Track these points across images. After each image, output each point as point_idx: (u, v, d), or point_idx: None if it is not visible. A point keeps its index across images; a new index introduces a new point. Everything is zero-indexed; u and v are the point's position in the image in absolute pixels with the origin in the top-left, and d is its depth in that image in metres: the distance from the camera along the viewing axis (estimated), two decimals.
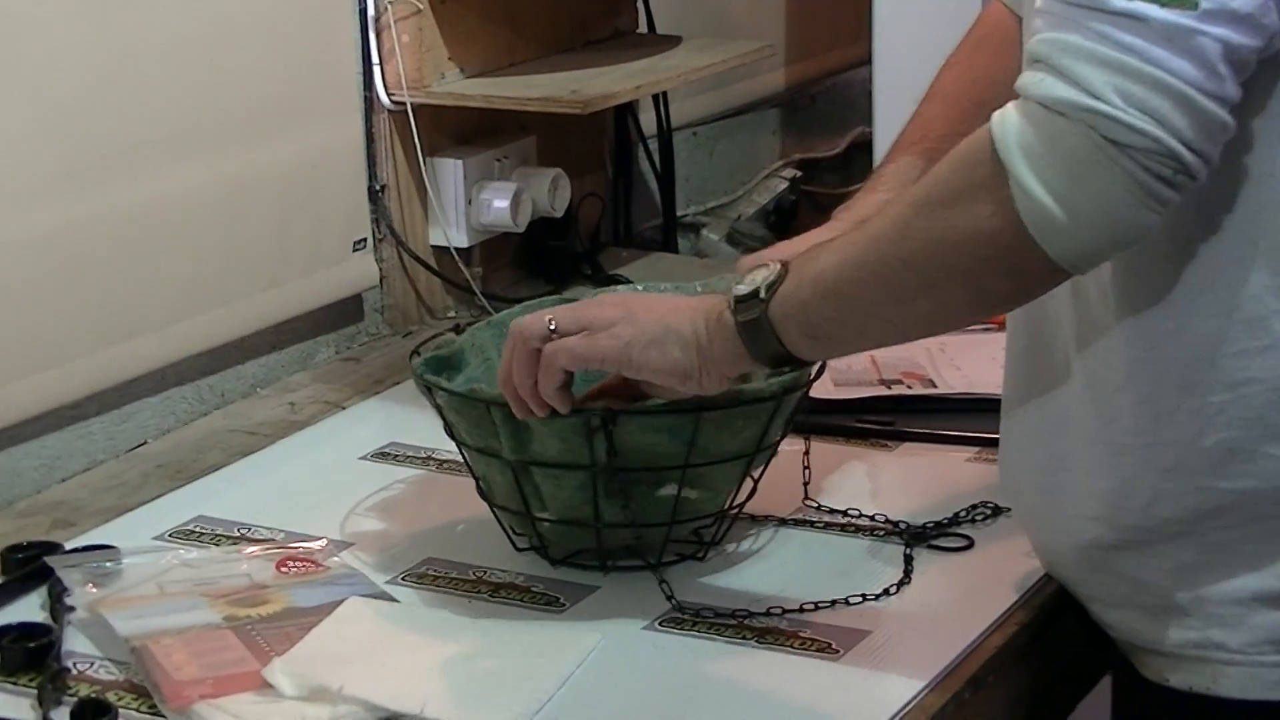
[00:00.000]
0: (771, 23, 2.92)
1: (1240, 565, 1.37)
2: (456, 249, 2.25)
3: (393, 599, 1.53)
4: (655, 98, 2.58)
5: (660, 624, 1.49)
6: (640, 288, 1.74)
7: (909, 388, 1.92)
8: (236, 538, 1.66)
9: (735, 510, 1.60)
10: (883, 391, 1.91)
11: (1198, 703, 1.41)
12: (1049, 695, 1.59)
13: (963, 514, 1.66)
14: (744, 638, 1.47)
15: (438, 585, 1.56)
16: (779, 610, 1.50)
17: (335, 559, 1.59)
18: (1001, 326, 1.54)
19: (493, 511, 1.59)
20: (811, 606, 1.50)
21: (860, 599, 1.52)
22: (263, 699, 1.36)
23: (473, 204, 2.25)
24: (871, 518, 1.66)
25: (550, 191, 2.32)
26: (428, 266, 2.25)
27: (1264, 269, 1.31)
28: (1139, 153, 1.19)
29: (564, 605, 1.52)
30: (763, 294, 1.36)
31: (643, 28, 2.51)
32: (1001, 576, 1.55)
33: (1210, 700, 1.40)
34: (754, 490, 1.60)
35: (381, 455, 1.84)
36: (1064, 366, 1.43)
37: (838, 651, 1.45)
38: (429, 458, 1.82)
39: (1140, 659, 1.45)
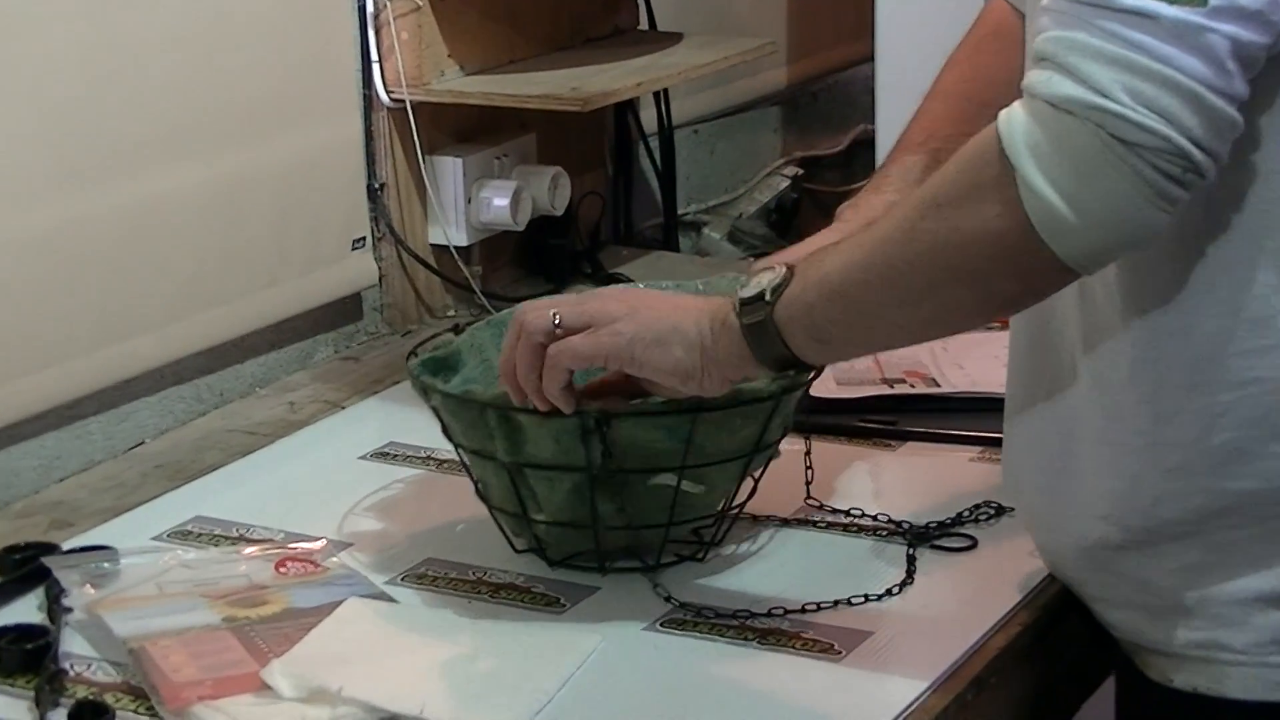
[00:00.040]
0: (773, 19, 2.92)
1: (1245, 566, 1.36)
2: (456, 247, 2.25)
3: (392, 600, 1.53)
4: (656, 95, 2.57)
5: (661, 625, 1.49)
6: (641, 286, 1.73)
7: (912, 387, 1.91)
8: (235, 538, 1.65)
9: (736, 510, 1.59)
10: (885, 390, 1.91)
11: (1202, 704, 1.41)
12: (1052, 696, 1.58)
13: (966, 514, 1.65)
14: (745, 639, 1.46)
15: (437, 586, 1.56)
16: (780, 611, 1.49)
17: (334, 559, 1.58)
18: (1005, 325, 1.54)
19: (491, 513, 1.59)
20: (813, 607, 1.50)
21: (863, 599, 1.51)
22: (261, 700, 1.35)
23: (472, 202, 2.25)
24: (874, 518, 1.66)
25: (550, 190, 2.31)
26: (427, 265, 2.25)
27: (1271, 268, 1.31)
28: (1148, 151, 1.19)
29: (564, 606, 1.52)
30: (768, 296, 1.36)
31: (643, 25, 2.51)
32: (1005, 577, 1.55)
33: (1214, 701, 1.40)
34: (754, 490, 1.59)
35: (381, 455, 1.84)
36: (1070, 366, 1.42)
37: (840, 652, 1.44)
38: (428, 458, 1.81)
39: (1144, 660, 1.45)
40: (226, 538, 1.66)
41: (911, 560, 1.58)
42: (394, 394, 2.00)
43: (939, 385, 1.92)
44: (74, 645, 1.46)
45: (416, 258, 2.23)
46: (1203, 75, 1.19)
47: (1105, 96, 1.19)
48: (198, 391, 2.00)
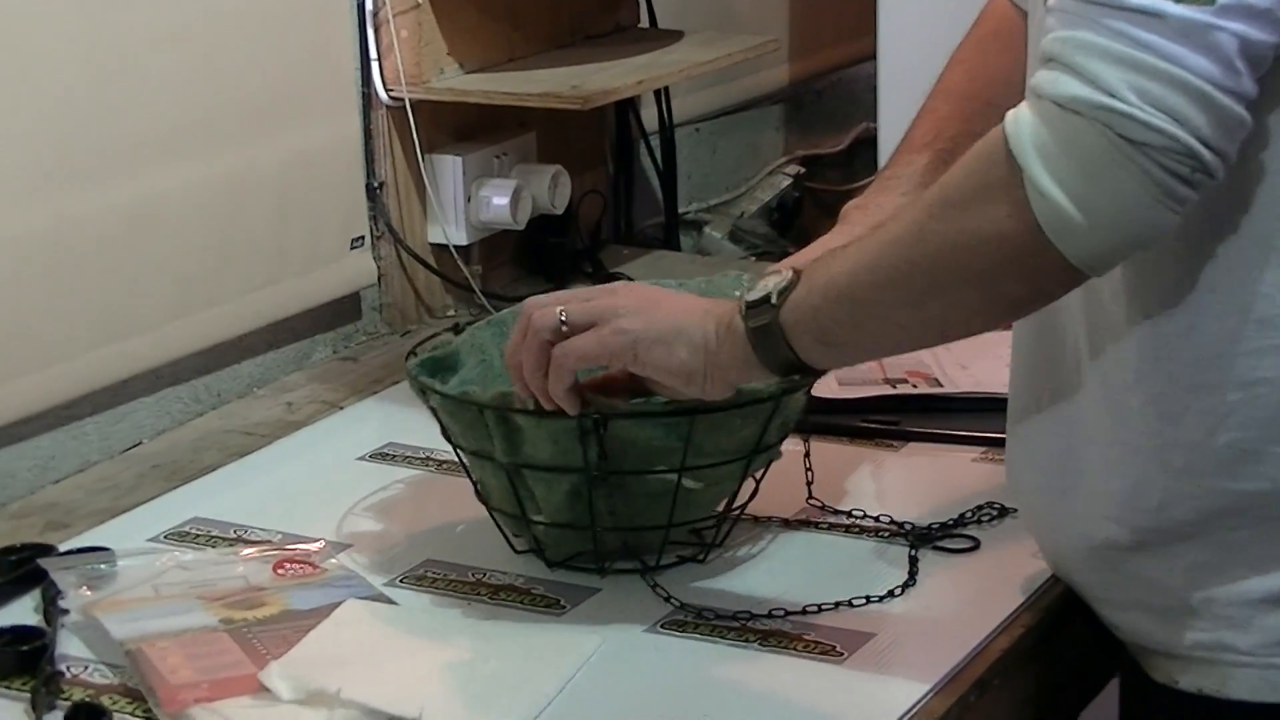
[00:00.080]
0: (775, 17, 2.91)
1: (1251, 566, 1.36)
2: (455, 247, 2.24)
3: (391, 601, 1.52)
4: (657, 93, 2.57)
5: (662, 626, 1.48)
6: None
7: (914, 387, 1.91)
8: (233, 539, 1.65)
9: (737, 512, 1.59)
10: (888, 391, 1.90)
11: (1207, 705, 1.40)
12: (1056, 698, 1.58)
13: (969, 515, 1.65)
14: (747, 640, 1.46)
15: (437, 587, 1.55)
16: (782, 612, 1.49)
17: (333, 561, 1.58)
18: (1008, 325, 1.53)
19: (490, 514, 1.58)
20: (815, 609, 1.49)
21: (865, 601, 1.51)
22: (259, 703, 1.35)
23: (472, 201, 2.24)
24: (876, 519, 1.65)
25: (550, 188, 2.31)
26: (426, 264, 2.24)
27: (1277, 267, 1.30)
28: (1156, 151, 1.19)
29: (564, 608, 1.51)
30: (774, 299, 1.36)
31: (644, 22, 2.51)
32: (1008, 578, 1.55)
33: (1219, 703, 1.39)
34: (755, 491, 1.59)
35: (379, 456, 1.83)
36: (1075, 367, 1.42)
37: (842, 654, 1.44)
38: (428, 458, 1.81)
39: (1149, 661, 1.44)
40: (224, 539, 1.65)
41: (914, 561, 1.57)
42: (393, 394, 1.99)
43: (942, 385, 1.91)
44: (70, 647, 1.45)
45: (416, 257, 2.23)
46: (1211, 74, 1.18)
47: (1113, 96, 1.19)
48: (195, 392, 1.99)
